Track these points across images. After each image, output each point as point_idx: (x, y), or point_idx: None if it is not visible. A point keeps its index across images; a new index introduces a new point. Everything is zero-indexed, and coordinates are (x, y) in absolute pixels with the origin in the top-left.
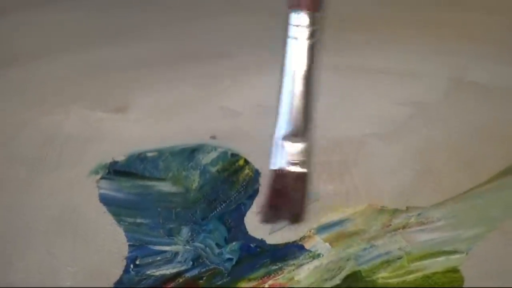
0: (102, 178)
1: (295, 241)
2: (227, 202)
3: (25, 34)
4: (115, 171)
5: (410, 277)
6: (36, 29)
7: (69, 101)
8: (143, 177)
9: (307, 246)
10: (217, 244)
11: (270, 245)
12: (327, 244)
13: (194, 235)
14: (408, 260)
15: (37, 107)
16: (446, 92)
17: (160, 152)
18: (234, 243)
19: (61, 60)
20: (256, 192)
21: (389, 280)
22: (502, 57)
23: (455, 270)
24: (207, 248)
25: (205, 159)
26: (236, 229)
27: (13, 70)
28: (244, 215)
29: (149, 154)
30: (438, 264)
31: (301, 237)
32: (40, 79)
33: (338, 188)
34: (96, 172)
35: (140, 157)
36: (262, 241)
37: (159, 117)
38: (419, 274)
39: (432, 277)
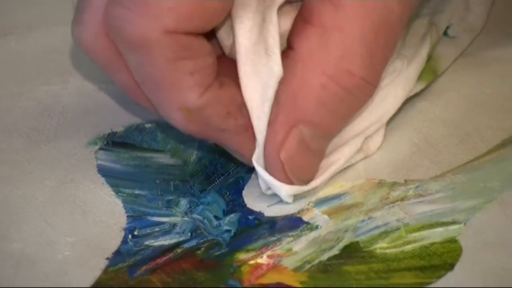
0: (100, 149)
1: (293, 214)
2: (226, 175)
3: (23, 4)
4: (113, 142)
5: (408, 247)
6: (34, 0)
7: (67, 72)
8: (141, 148)
9: (305, 218)
10: (215, 217)
11: (268, 217)
12: (325, 216)
13: (193, 207)
14: (406, 231)
15: (35, 78)
16: None
17: (158, 124)
18: (232, 215)
19: (60, 31)
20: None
21: (387, 251)
22: (499, 29)
23: (453, 240)
24: (205, 220)
25: None
26: (234, 203)
27: (11, 40)
28: (242, 188)
29: (147, 125)
30: (436, 234)
31: (299, 210)
32: (37, 50)
33: None
34: (94, 143)
35: (138, 128)
36: (260, 214)
37: None
38: (417, 244)
39: (430, 247)
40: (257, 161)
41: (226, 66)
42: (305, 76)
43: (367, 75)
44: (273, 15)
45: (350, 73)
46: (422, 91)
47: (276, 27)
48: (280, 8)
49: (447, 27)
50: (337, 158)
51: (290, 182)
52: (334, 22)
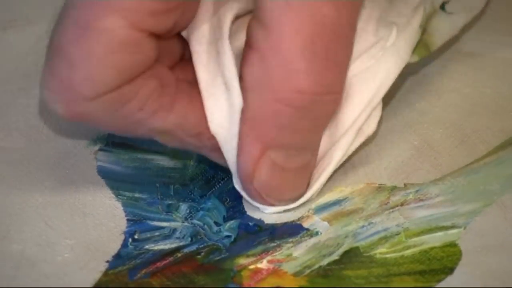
0: (100, 150)
1: (293, 221)
2: (226, 180)
3: None
4: (113, 143)
5: (408, 252)
6: None
7: None
8: (141, 150)
9: (305, 224)
10: (215, 223)
11: (268, 224)
12: (325, 222)
13: (193, 213)
14: (406, 235)
15: (34, 74)
16: (443, 64)
17: None
18: (232, 221)
19: None
20: None
21: (387, 255)
22: (499, 26)
23: (452, 244)
24: (205, 226)
25: None
26: (235, 209)
27: (10, 34)
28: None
29: None
30: (436, 239)
31: (299, 217)
32: (37, 44)
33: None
34: (94, 143)
35: None
36: (260, 221)
37: None
38: (417, 249)
39: (430, 252)
40: (237, 184)
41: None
42: (257, 105)
43: (319, 88)
44: (226, 48)
45: (299, 92)
46: (422, 91)
47: (231, 59)
48: (236, 20)
49: (445, 2)
50: (328, 162)
51: (272, 205)
52: (269, 44)
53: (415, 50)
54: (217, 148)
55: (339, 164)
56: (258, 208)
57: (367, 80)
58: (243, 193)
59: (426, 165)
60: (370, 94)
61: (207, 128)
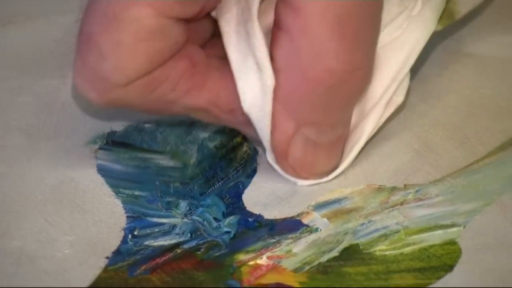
0: (100, 148)
1: (292, 217)
2: (225, 179)
3: None
4: (113, 141)
5: (407, 249)
6: None
7: (66, 65)
8: (141, 149)
9: (304, 221)
10: (215, 219)
11: (267, 220)
12: (325, 219)
13: (192, 209)
14: (406, 233)
15: (34, 71)
16: (443, 65)
17: (158, 124)
18: (232, 217)
19: (59, 21)
20: (254, 171)
21: (387, 253)
22: (500, 26)
23: (452, 242)
24: (205, 222)
25: (203, 133)
26: (234, 206)
27: (8, 31)
28: (242, 193)
29: (147, 126)
30: (435, 237)
31: (299, 213)
32: (36, 41)
33: None
34: (94, 142)
35: (138, 129)
36: (260, 216)
37: None
38: (416, 246)
39: (429, 249)
40: (271, 159)
41: None
42: (289, 85)
43: (349, 67)
44: (256, 29)
45: (330, 71)
46: (421, 93)
47: (261, 40)
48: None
49: None
50: (359, 135)
51: (306, 178)
52: (298, 25)
53: (439, 19)
54: (251, 124)
55: (370, 136)
56: (258, 204)
57: (395, 52)
58: (276, 167)
59: (426, 166)
60: (398, 66)
61: (240, 104)
